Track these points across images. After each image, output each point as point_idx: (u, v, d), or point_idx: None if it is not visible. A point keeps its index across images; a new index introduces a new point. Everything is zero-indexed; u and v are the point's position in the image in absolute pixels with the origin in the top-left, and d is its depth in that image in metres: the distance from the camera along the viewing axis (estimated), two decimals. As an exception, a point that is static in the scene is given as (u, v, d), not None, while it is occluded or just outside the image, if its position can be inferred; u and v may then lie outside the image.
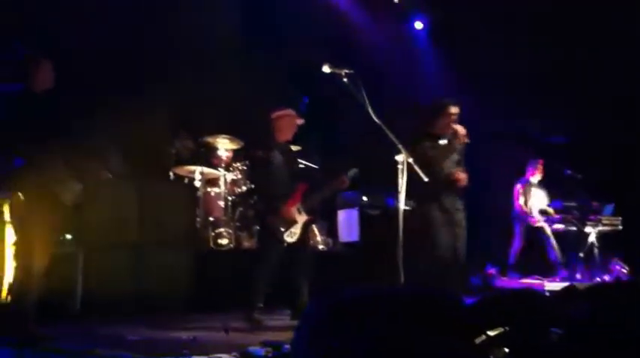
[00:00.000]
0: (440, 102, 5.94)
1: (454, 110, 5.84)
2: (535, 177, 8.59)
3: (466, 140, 5.84)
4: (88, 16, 7.21)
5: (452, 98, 6.01)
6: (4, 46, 5.41)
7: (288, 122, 5.84)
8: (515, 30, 8.80)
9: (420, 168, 5.16)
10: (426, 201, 5.76)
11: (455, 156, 5.85)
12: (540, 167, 8.62)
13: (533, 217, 8.31)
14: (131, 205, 6.36)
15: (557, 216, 8.30)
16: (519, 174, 8.67)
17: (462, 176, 5.75)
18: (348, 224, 8.47)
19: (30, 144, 4.42)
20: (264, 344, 4.26)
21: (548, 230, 8.19)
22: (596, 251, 8.02)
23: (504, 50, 8.85)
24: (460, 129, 5.80)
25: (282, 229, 5.50)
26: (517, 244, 8.46)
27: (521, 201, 8.43)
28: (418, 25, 10.35)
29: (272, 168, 5.66)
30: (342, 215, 8.57)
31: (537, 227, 8.26)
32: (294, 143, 6.27)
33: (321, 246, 7.85)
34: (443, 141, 5.85)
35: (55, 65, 4.72)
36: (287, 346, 3.92)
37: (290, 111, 5.88)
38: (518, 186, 8.50)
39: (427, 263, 5.61)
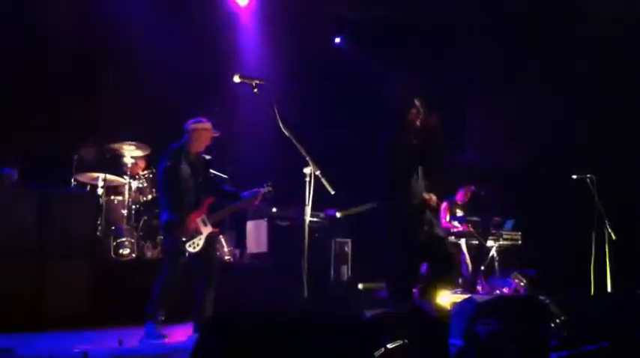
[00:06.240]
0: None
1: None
2: (461, 200, 8.84)
3: None
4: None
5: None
6: None
7: (204, 135, 5.73)
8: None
9: None
10: None
11: None
12: (469, 194, 8.85)
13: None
14: (30, 213, 6.07)
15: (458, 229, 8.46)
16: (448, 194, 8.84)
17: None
18: (256, 235, 8.41)
19: None
20: None
21: (463, 246, 8.35)
22: (496, 264, 8.26)
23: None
24: None
25: (184, 239, 5.41)
26: None
27: (447, 218, 8.62)
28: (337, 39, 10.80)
29: (178, 179, 5.54)
30: (251, 226, 8.50)
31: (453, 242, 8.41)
32: (207, 152, 6.16)
33: (227, 258, 7.74)
34: None
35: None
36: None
37: (208, 125, 5.76)
38: (444, 205, 8.65)
39: None
